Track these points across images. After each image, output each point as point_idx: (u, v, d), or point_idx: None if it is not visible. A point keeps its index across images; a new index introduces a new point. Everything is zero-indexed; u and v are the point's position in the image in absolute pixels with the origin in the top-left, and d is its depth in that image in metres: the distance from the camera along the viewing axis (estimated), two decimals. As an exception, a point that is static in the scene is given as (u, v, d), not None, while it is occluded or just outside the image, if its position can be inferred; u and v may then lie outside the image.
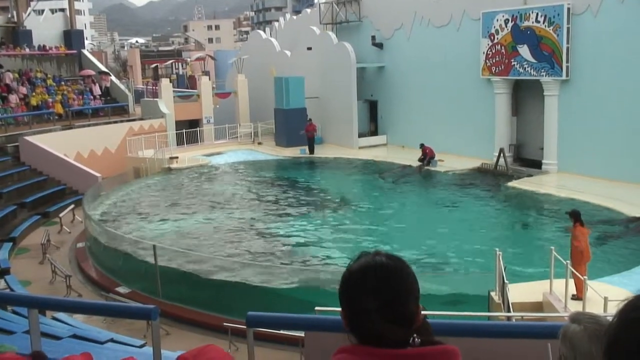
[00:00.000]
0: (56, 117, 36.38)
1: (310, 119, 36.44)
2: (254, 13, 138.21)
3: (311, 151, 35.85)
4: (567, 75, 27.49)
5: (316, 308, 10.92)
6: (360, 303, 1.91)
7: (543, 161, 28.81)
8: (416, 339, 1.93)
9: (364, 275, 1.94)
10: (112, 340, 11.10)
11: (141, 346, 11.41)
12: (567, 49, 27.30)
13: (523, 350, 4.47)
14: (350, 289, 1.95)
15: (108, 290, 18.45)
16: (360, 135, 37.66)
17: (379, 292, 1.90)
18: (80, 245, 23.28)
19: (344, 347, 1.95)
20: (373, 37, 37.78)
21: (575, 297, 12.82)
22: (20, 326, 9.47)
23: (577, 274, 12.72)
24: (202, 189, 29.65)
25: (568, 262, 12.79)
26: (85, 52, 44.62)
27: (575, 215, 13.77)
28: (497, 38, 30.39)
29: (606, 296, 10.73)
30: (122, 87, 42.74)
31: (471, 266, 17.94)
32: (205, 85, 41.82)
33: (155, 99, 39.81)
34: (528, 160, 30.39)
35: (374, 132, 38.98)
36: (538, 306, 13.35)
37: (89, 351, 5.49)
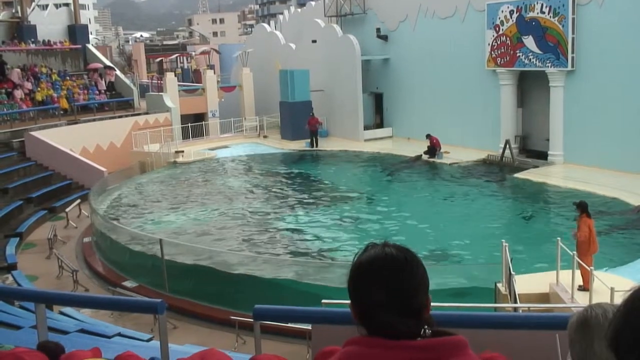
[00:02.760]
0: (61, 112, 36.44)
1: (312, 113, 36.35)
2: (258, 6, 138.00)
3: (314, 145, 35.68)
4: (572, 66, 27.39)
5: (323, 301, 10.92)
6: (370, 296, 1.90)
7: (549, 152, 28.75)
8: (427, 330, 1.92)
9: (374, 268, 1.92)
10: (119, 335, 11.14)
11: (148, 340, 11.45)
12: (573, 39, 27.19)
13: (530, 342, 4.46)
14: (360, 281, 1.93)
15: (115, 284, 18.51)
16: (366, 127, 37.63)
17: (389, 284, 1.89)
18: (86, 239, 23.35)
19: (353, 339, 1.94)
20: (378, 30, 37.69)
21: (582, 288, 12.79)
22: (27, 321, 9.50)
23: (583, 264, 12.70)
24: (208, 182, 29.68)
25: (574, 252, 12.77)
26: (89, 46, 44.61)
27: (583, 206, 13.71)
28: (502, 29, 30.29)
29: (613, 287, 10.70)
30: (127, 81, 42.76)
31: (477, 258, 17.93)
32: (210, 79, 41.82)
33: (160, 93, 39.84)
34: (534, 151, 30.34)
35: (380, 125, 38.95)
36: (545, 297, 13.34)
37: (97, 345, 5.50)
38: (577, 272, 12.81)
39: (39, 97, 36.76)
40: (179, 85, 42.03)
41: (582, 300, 11.82)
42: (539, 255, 17.38)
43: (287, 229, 22.06)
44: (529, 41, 29.02)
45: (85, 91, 39.41)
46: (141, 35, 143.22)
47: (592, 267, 12.26)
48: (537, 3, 28.42)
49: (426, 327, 1.92)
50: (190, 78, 56.09)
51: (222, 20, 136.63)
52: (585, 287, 12.73)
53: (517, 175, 27.22)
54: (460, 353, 1.89)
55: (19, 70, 37.82)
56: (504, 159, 29.50)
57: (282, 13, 51.69)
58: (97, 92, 40.03)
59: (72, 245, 23.37)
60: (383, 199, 26.00)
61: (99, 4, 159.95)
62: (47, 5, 50.03)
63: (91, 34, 68.14)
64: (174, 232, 21.79)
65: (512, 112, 30.68)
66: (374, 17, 38.32)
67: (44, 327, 6.00)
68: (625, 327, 1.56)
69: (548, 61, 28.25)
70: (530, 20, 28.88)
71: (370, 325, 1.91)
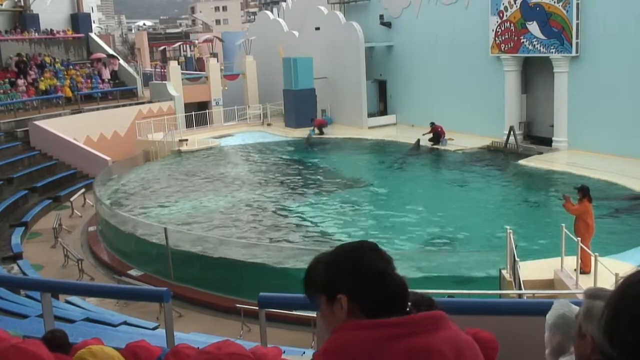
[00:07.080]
0: (65, 101, 36.44)
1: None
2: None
3: (320, 133, 35.84)
4: (576, 52, 27.28)
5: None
6: (380, 270, 2.10)
7: (553, 138, 28.70)
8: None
9: (370, 254, 2.15)
10: (125, 323, 11.19)
11: (154, 328, 11.50)
12: (577, 25, 27.07)
13: (534, 328, 4.47)
14: (366, 266, 2.11)
15: (120, 273, 18.54)
16: (370, 115, 37.59)
17: (387, 261, 2.14)
18: (91, 229, 23.39)
19: (341, 325, 2.07)
20: (381, 16, 37.57)
21: (581, 271, 12.73)
22: (33, 310, 9.55)
23: (585, 248, 12.70)
24: (212, 171, 29.65)
25: (579, 238, 12.75)
26: (92, 35, 44.52)
27: (584, 190, 13.68)
28: (506, 15, 30.16)
29: (617, 272, 10.69)
30: (131, 70, 42.73)
31: (482, 244, 17.93)
32: (214, 67, 41.76)
33: (164, 82, 39.79)
34: (538, 137, 30.27)
35: (384, 112, 38.91)
36: (549, 283, 13.34)
37: (102, 334, 5.53)
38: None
39: (42, 86, 36.75)
40: (182, 73, 41.99)
41: (586, 286, 11.79)
42: (543, 242, 17.38)
43: (291, 217, 22.06)
44: (533, 27, 28.90)
45: (89, 80, 39.41)
46: (144, 24, 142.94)
47: (596, 253, 12.22)
48: (541, -12, 28.29)
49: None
50: (194, 66, 56.02)
51: (224, 8, 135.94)
52: (584, 270, 12.72)
53: (521, 161, 27.17)
54: (442, 325, 2.08)
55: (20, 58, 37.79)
56: (508, 145, 29.44)
57: (285, 0, 51.50)
58: (101, 81, 40.01)
59: (77, 234, 23.43)
60: (387, 186, 25.96)
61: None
62: (49, -6, 49.85)
63: (94, 22, 68.09)
64: (179, 220, 21.81)
65: (516, 99, 30.60)
66: (377, 3, 38.16)
67: (50, 316, 6.03)
68: (619, 313, 1.57)
69: (552, 47, 28.14)
70: (534, 6, 28.74)
71: (390, 296, 2.08)
